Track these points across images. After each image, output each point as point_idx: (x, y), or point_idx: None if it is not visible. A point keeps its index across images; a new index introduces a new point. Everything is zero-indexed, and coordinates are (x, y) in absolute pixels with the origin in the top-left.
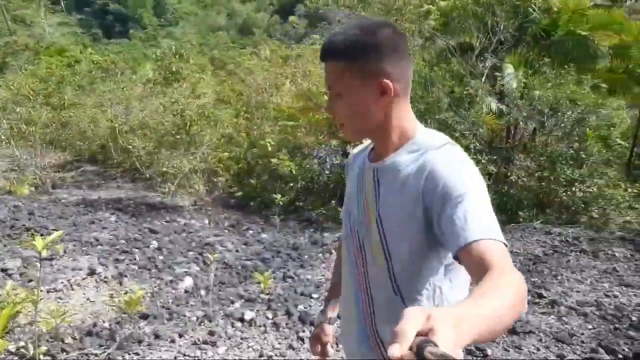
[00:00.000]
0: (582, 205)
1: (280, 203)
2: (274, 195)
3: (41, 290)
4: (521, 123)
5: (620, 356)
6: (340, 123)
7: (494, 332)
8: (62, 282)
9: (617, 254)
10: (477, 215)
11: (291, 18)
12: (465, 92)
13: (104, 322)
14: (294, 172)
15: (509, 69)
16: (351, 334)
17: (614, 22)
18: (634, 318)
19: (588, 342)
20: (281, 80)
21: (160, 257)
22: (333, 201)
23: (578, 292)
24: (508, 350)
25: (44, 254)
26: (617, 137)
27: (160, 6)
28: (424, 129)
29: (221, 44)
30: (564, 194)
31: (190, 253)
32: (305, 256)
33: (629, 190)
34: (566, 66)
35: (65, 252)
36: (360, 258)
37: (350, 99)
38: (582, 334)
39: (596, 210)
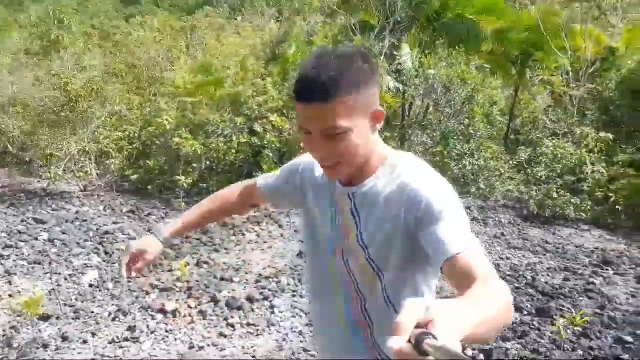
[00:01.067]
0: (471, 177)
1: (185, 185)
2: (177, 177)
3: None
4: (417, 101)
5: (525, 312)
6: (334, 163)
7: (486, 332)
8: None
9: (502, 220)
10: (457, 229)
11: None
12: None
13: None
14: (198, 151)
15: (406, 48)
16: (338, 336)
17: (495, 7)
18: (528, 277)
19: None
20: (176, 54)
21: (54, 250)
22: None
23: None
24: None
25: None
26: (497, 114)
27: None
28: (391, 149)
29: (102, 11)
30: (456, 167)
31: (89, 243)
32: (217, 239)
33: (509, 162)
34: (456, 47)
35: None
36: (346, 269)
37: (357, 133)
38: None
39: (483, 181)
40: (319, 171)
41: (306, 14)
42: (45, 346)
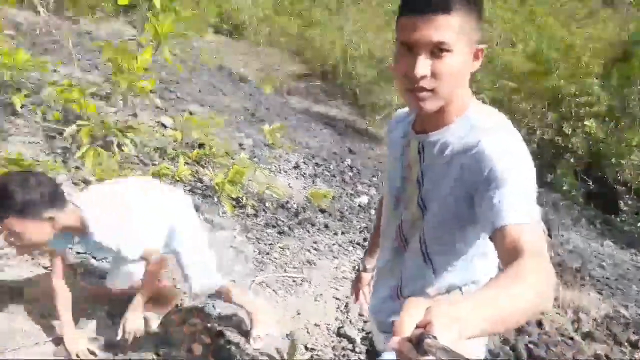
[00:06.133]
0: None
1: None
2: None
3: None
4: None
5: None
6: (428, 88)
7: (506, 324)
8: (274, 166)
9: None
10: (517, 199)
11: None
12: None
13: (294, 203)
14: None
15: None
16: (384, 285)
17: None
18: None
19: None
20: (520, 36)
21: (350, 174)
22: None
23: None
24: None
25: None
26: None
27: None
28: (478, 105)
29: None
30: None
31: (374, 179)
32: None
33: None
34: None
35: (281, 145)
36: (399, 219)
37: (458, 58)
38: None
39: None
40: (399, 125)
41: None
42: (312, 225)
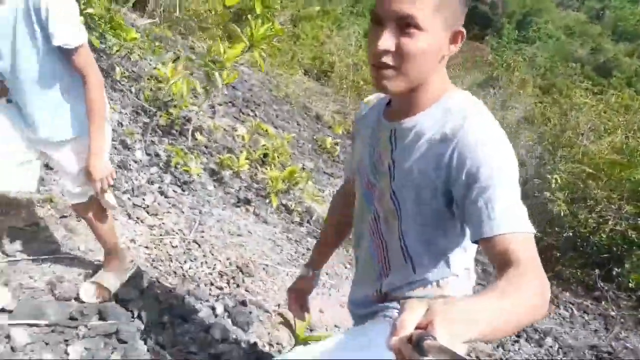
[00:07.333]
0: None
1: None
2: None
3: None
4: None
5: None
6: (391, 65)
7: (503, 331)
8: (329, 190)
9: None
10: (505, 205)
11: None
12: None
13: None
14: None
15: None
16: (365, 282)
17: None
18: None
19: None
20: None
21: None
22: None
23: None
24: None
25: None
26: None
27: (526, 22)
28: (456, 89)
29: (565, 75)
30: None
31: None
32: None
33: None
34: None
35: (340, 176)
36: (373, 213)
37: (430, 39)
38: None
39: None
40: (369, 112)
41: None
42: None
